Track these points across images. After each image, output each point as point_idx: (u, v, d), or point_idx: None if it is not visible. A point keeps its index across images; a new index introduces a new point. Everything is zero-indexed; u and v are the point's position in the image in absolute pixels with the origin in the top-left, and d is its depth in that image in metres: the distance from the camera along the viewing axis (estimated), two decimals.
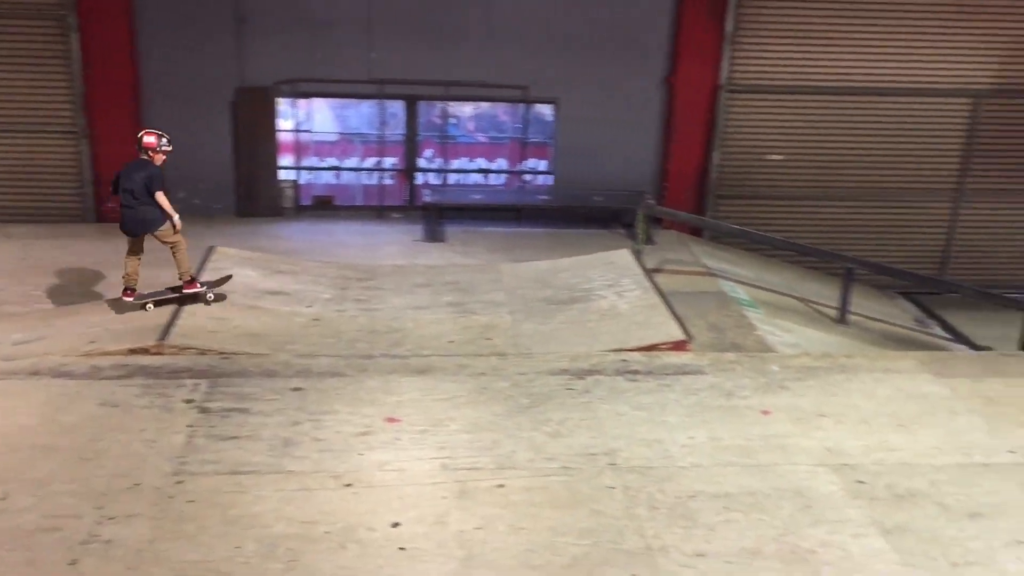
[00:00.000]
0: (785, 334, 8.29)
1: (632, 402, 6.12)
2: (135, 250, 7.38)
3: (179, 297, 7.54)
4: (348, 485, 5.00)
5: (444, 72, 11.74)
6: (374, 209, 12.37)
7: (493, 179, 12.72)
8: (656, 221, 11.17)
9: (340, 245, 8.23)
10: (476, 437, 5.57)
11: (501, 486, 5.07)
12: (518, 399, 6.09)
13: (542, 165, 12.59)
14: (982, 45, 11.87)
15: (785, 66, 11.85)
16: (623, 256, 9.35)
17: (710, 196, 12.08)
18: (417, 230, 11.32)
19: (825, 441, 5.74)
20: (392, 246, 10.79)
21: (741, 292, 9.33)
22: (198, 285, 7.60)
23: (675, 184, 12.10)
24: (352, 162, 12.54)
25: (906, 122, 12.15)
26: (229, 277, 7.97)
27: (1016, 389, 6.62)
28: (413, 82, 11.84)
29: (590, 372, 6.56)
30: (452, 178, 12.62)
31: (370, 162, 12.49)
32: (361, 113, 12.51)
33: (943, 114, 12.15)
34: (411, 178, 12.46)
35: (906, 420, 6.08)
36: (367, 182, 12.58)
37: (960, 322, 10.90)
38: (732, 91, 11.82)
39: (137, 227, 7.26)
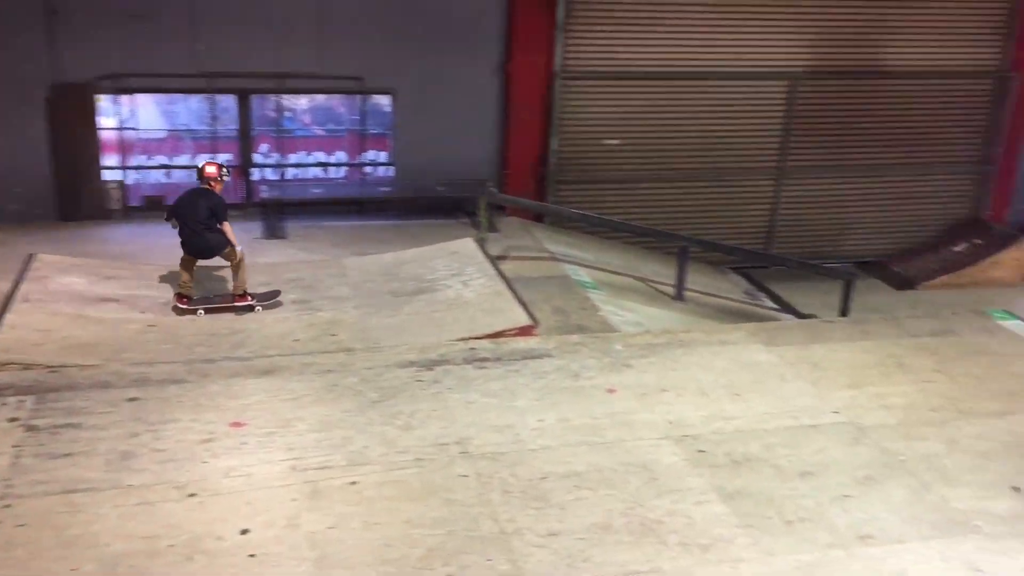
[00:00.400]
0: (627, 313, 8.56)
1: (482, 389, 6.17)
2: (190, 265, 7.87)
3: (230, 306, 7.91)
4: (192, 495, 4.83)
5: (277, 64, 11.44)
6: None
7: (333, 172, 12.51)
8: (499, 209, 11.29)
9: (174, 247, 7.90)
10: (326, 435, 5.48)
11: (354, 483, 5.01)
12: (367, 394, 6.03)
13: (382, 156, 12.48)
14: (796, 30, 12.56)
15: (617, 52, 12.18)
16: (467, 245, 9.41)
17: (550, 182, 12.30)
18: (256, 227, 11.00)
19: (668, 415, 5.96)
20: None
21: (584, 275, 9.57)
22: (249, 299, 7.94)
23: (516, 171, 12.25)
24: (183, 160, 12.04)
25: (732, 104, 12.72)
26: (278, 292, 8.22)
27: (838, 354, 7.06)
28: (244, 75, 11.48)
29: (439, 362, 6.56)
30: (290, 173, 12.33)
31: (202, 159, 12.01)
32: (190, 108, 12.02)
33: (764, 96, 12.80)
34: (247, 174, 12.09)
35: (741, 389, 6.38)
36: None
37: (787, 293, 11.55)
38: (567, 78, 12.06)
39: (204, 252, 7.83)
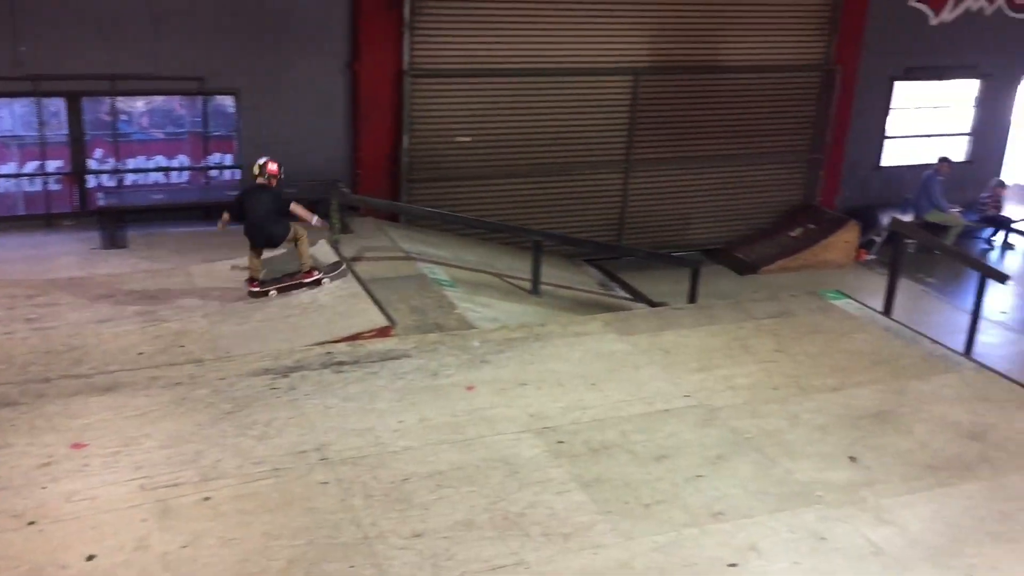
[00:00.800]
0: (484, 309, 8.61)
1: (340, 394, 6.08)
2: (258, 253, 8.35)
3: (300, 283, 8.35)
4: (31, 523, 4.55)
5: (109, 65, 10.88)
6: (41, 218, 11.25)
7: (175, 177, 12.02)
8: (352, 209, 11.13)
9: (2, 261, 7.43)
10: (176, 451, 5.27)
11: (207, 498, 4.84)
12: (220, 405, 5.84)
13: (227, 159, 12.08)
14: (638, 27, 12.92)
15: (464, 50, 12.21)
16: (320, 247, 9.24)
17: (404, 181, 12.22)
18: (94, 237, 10.44)
19: (527, 408, 6.03)
20: (66, 257, 9.87)
21: (440, 273, 9.56)
22: (316, 273, 8.43)
23: (368, 171, 12.11)
24: (9, 168, 11.31)
25: (579, 100, 12.97)
26: (342, 263, 8.72)
27: (687, 339, 7.32)
28: (73, 77, 10.87)
29: (295, 369, 6.42)
30: (129, 179, 11.76)
31: (31, 166, 11.33)
32: (14, 113, 11.30)
33: (610, 92, 13.11)
34: (81, 181, 11.46)
35: (597, 379, 6.53)
36: (29, 189, 11.41)
37: (638, 282, 11.88)
38: (416, 76, 12.00)
39: (269, 243, 8.39)
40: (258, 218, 8.25)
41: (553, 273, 10.85)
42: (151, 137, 12.01)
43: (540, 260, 10.05)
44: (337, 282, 8.34)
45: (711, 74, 13.50)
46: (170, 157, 12.01)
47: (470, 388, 6.27)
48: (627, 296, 11.47)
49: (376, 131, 12.07)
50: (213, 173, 12.07)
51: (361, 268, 8.93)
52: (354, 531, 4.65)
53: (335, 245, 9.28)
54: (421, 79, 12.06)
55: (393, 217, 12.07)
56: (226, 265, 9.05)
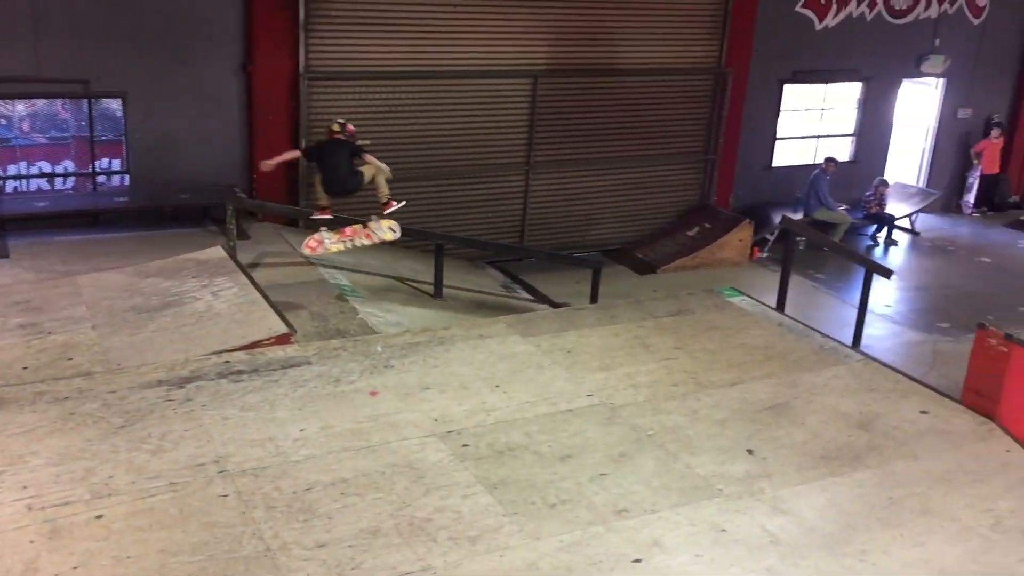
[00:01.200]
0: (386, 314, 8.55)
1: (239, 403, 5.93)
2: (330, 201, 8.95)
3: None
4: None
5: None
6: None
7: (60, 183, 11.54)
8: (249, 215, 10.90)
9: None
10: (65, 469, 5.05)
11: (100, 517, 4.65)
12: (111, 419, 5.62)
13: (116, 164, 11.67)
14: (535, 29, 13.03)
15: (362, 52, 12.10)
16: (216, 253, 9.00)
17: (302, 185, 12.02)
18: None
19: (431, 412, 6.00)
20: None
21: (341, 278, 9.44)
22: (394, 204, 9.08)
23: (265, 175, 11.86)
24: None
25: (479, 102, 13.00)
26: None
27: (589, 339, 7.40)
28: None
29: (190, 379, 6.23)
30: (10, 185, 11.25)
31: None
32: None
33: (510, 94, 13.18)
34: None
35: (501, 380, 6.54)
36: None
37: (541, 283, 11.99)
38: (312, 78, 11.83)
39: (347, 192, 8.93)
40: (340, 171, 8.73)
41: (456, 276, 10.85)
42: (33, 142, 11.51)
43: (442, 263, 10.04)
44: (234, 289, 8.14)
45: (609, 77, 13.70)
46: (54, 163, 11.53)
47: (373, 394, 6.20)
48: (530, 297, 11.55)
49: (273, 135, 11.84)
50: (101, 179, 11.64)
51: (259, 274, 8.75)
52: (256, 544, 4.54)
53: (232, 252, 9.06)
54: (318, 82, 11.89)
55: (292, 222, 11.87)
56: (117, 274, 8.72)
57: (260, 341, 6.98)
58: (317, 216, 9.03)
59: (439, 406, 6.09)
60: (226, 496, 4.91)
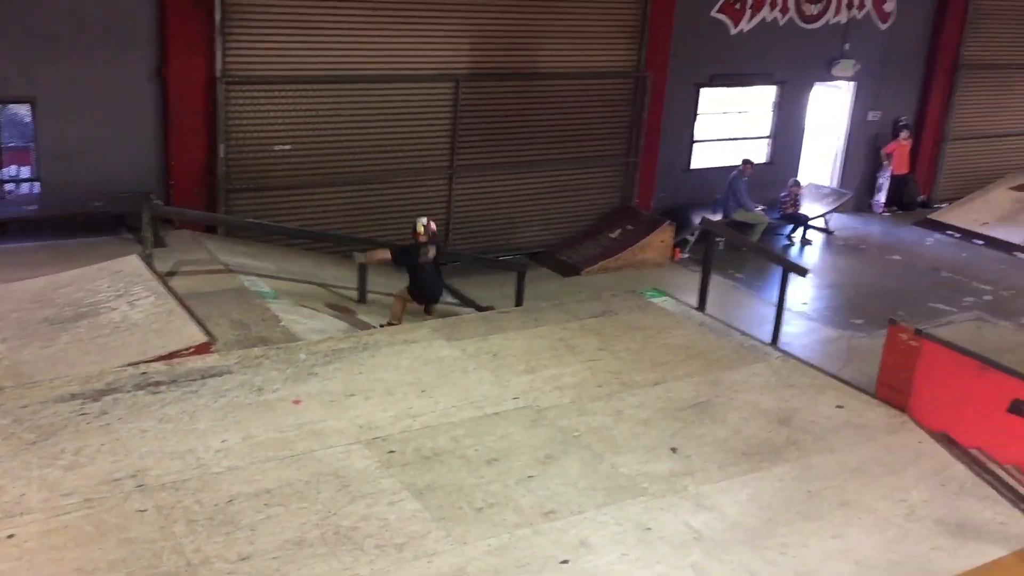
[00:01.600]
0: (310, 321, 8.44)
1: (157, 415, 5.79)
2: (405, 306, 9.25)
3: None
4: None
5: None
6: None
7: None
8: (166, 222, 10.64)
9: None
10: None
11: (11, 536, 4.50)
12: (22, 435, 5.44)
13: (25, 172, 11.27)
14: (457, 33, 13.01)
15: (281, 56, 11.92)
16: (132, 262, 8.76)
17: (221, 191, 11.79)
18: None
19: (356, 419, 5.95)
20: None
21: (263, 285, 9.29)
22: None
23: (182, 181, 11.61)
24: None
25: (401, 107, 12.92)
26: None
27: (514, 342, 7.43)
28: None
29: (106, 392, 6.07)
30: None
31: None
32: None
33: (432, 98, 13.13)
34: None
35: (427, 385, 6.52)
36: None
37: (466, 287, 11.96)
38: (230, 83, 11.61)
39: (435, 300, 9.59)
40: (429, 276, 9.27)
41: (380, 281, 10.76)
42: None
43: (367, 268, 9.94)
44: (151, 298, 7.94)
45: (531, 80, 13.77)
46: None
47: (297, 402, 6.12)
48: (455, 301, 11.53)
49: (189, 140, 11.59)
50: (9, 187, 11.23)
51: (178, 283, 8.55)
52: (176, 559, 4.44)
53: (148, 260, 8.83)
54: (236, 86, 11.68)
55: (211, 229, 11.63)
56: (28, 285, 8.43)
57: (179, 351, 6.82)
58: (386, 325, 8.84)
59: (364, 413, 6.04)
60: (144, 511, 4.80)
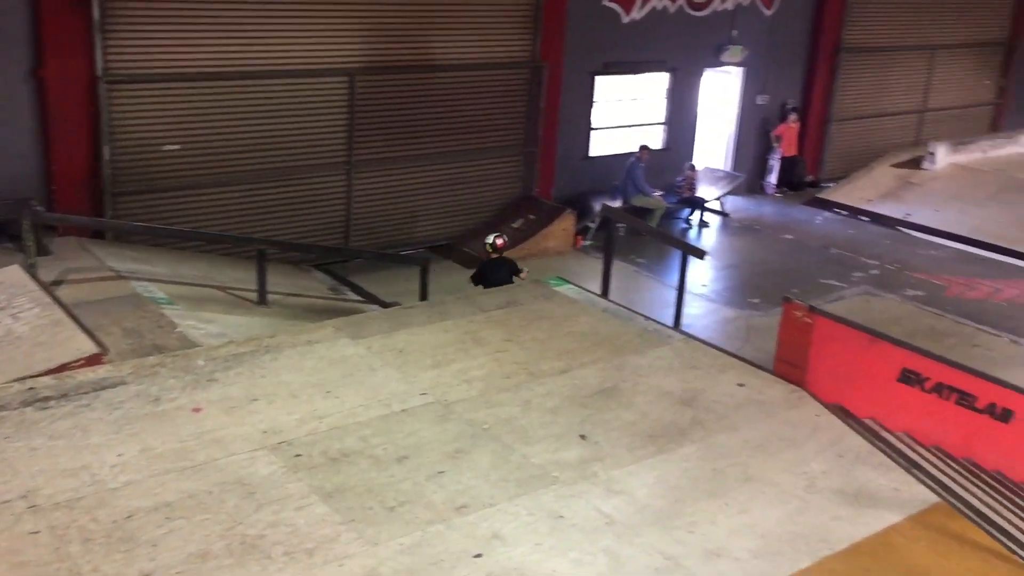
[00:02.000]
0: (208, 325, 8.20)
1: (47, 432, 5.53)
2: None
3: None
4: None
5: None
6: None
7: None
8: (50, 229, 10.19)
9: None
10: None
11: None
12: None
13: None
14: (350, 26, 12.82)
15: (166, 53, 11.53)
16: (14, 273, 8.34)
17: (107, 194, 11.35)
18: None
19: (260, 424, 5.81)
20: None
21: (156, 290, 8.99)
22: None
23: (64, 186, 11.13)
24: None
25: (296, 102, 12.66)
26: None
27: (420, 337, 7.37)
28: None
29: None
30: None
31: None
32: None
33: (326, 93, 12.91)
34: None
35: (332, 386, 6.41)
36: None
37: (370, 284, 11.84)
38: (112, 82, 11.17)
39: None
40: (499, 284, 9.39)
41: (281, 281, 10.55)
42: None
43: (265, 269, 9.73)
44: (36, 309, 7.59)
45: (427, 73, 13.68)
46: None
47: (197, 410, 5.93)
48: (359, 299, 11.39)
49: (71, 143, 11.12)
50: None
51: (64, 292, 8.20)
52: None
53: (31, 270, 8.44)
54: (118, 85, 11.25)
55: (99, 235, 11.19)
56: None
57: (68, 364, 6.53)
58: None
59: (268, 417, 5.90)
60: (37, 532, 4.58)
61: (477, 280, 10.01)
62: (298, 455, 5.46)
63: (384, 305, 10.49)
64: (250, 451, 5.48)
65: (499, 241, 10.20)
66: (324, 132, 13.03)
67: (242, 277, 10.38)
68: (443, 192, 14.31)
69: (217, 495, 5.00)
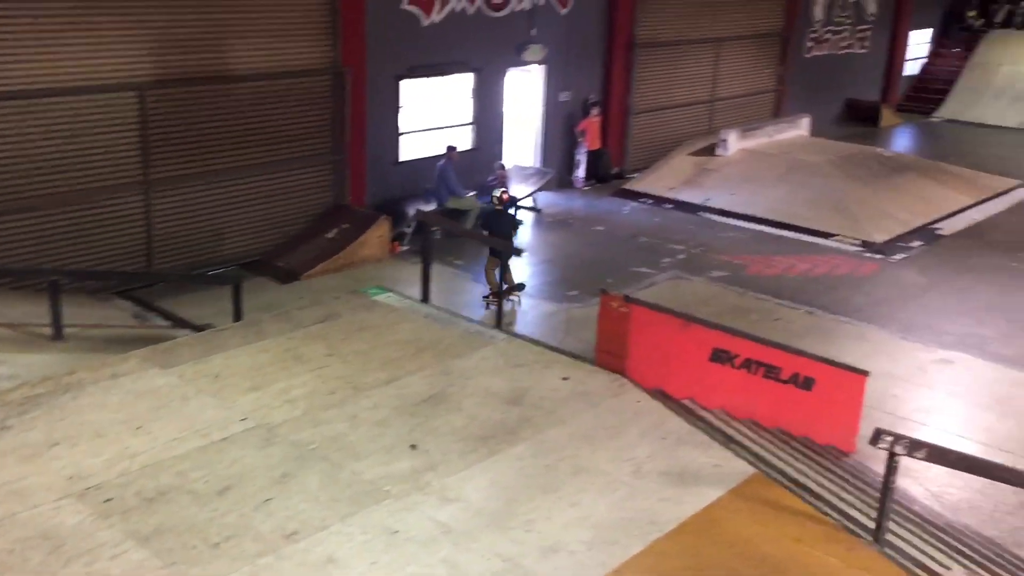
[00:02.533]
0: None
1: None
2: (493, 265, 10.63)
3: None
4: None
5: None
6: None
7: None
8: None
9: None
10: None
11: None
12: None
13: None
14: (135, 39, 12.11)
15: None
16: None
17: None
18: None
19: (64, 470, 5.40)
20: None
21: None
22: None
23: None
24: None
25: (80, 121, 11.85)
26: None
27: (236, 359, 7.08)
28: None
29: None
30: None
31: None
32: None
33: (113, 110, 12.15)
34: None
35: (143, 420, 6.05)
36: None
37: (179, 308, 11.25)
38: None
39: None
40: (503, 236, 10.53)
41: (78, 313, 9.85)
42: None
43: (59, 301, 9.04)
44: None
45: (224, 84, 13.13)
46: None
47: None
48: (167, 324, 10.80)
49: None
50: None
51: None
52: None
53: None
54: None
55: None
56: None
57: None
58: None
59: (72, 462, 5.49)
60: None
61: (483, 228, 11.53)
62: (108, 499, 5.10)
63: (196, 329, 9.99)
64: (54, 501, 5.07)
65: (504, 196, 11.62)
66: (115, 152, 12.26)
67: (33, 311, 9.62)
68: (250, 207, 13.80)
69: (19, 553, 4.59)
